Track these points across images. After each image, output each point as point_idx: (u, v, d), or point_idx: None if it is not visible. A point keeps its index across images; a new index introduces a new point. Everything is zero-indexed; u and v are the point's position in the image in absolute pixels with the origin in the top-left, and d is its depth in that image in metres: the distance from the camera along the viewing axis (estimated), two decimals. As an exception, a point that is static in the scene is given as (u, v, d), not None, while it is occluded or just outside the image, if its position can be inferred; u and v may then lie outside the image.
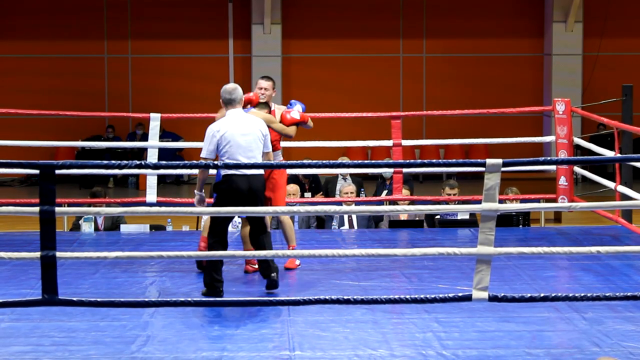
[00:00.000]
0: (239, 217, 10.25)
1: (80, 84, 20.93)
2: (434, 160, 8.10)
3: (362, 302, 6.67)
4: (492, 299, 6.47)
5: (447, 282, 8.22)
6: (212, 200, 8.26)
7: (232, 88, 7.88)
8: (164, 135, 19.30)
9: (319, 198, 12.68)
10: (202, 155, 7.77)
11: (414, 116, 18.41)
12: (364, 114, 11.83)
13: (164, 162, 9.37)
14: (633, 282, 8.24)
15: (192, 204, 9.48)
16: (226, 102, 7.86)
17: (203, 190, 7.89)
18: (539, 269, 8.63)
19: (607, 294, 6.75)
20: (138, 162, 6.54)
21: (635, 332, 6.84)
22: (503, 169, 6.34)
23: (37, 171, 6.28)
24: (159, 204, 10.64)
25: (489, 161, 6.33)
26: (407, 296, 6.59)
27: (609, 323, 7.02)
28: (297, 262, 8.79)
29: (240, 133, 7.77)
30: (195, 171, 8.88)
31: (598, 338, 6.71)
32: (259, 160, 7.78)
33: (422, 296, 6.56)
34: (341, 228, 11.04)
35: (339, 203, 11.35)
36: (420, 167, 7.90)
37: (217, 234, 7.80)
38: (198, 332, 6.88)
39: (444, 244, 9.48)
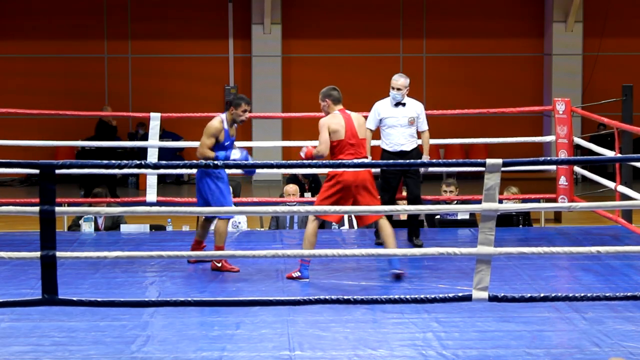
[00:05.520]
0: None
1: (80, 84, 20.93)
2: (434, 160, 8.10)
3: (362, 302, 6.67)
4: (492, 299, 6.47)
5: (447, 282, 8.22)
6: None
7: None
8: (164, 135, 19.29)
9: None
10: None
11: (413, 116, 18.36)
12: (364, 114, 11.81)
13: (164, 162, 9.36)
14: (633, 282, 8.24)
15: (191, 204, 9.46)
16: None
17: None
18: (539, 269, 8.63)
19: (607, 294, 6.75)
20: (138, 162, 6.53)
21: (635, 332, 6.84)
22: (503, 168, 6.34)
23: (37, 171, 6.28)
24: (159, 203, 10.63)
25: (488, 161, 6.32)
26: (407, 296, 6.58)
27: (609, 323, 7.02)
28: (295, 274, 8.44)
29: None
30: (194, 171, 8.86)
31: (598, 338, 6.71)
32: None
33: (422, 296, 6.56)
34: (341, 228, 11.03)
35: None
36: (420, 167, 7.90)
37: None
38: (198, 332, 6.87)
39: (444, 244, 9.47)
